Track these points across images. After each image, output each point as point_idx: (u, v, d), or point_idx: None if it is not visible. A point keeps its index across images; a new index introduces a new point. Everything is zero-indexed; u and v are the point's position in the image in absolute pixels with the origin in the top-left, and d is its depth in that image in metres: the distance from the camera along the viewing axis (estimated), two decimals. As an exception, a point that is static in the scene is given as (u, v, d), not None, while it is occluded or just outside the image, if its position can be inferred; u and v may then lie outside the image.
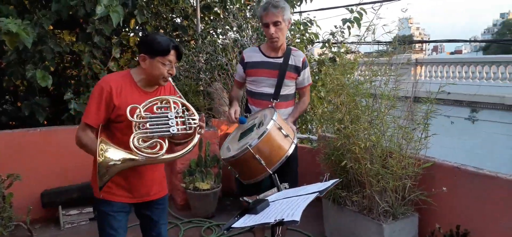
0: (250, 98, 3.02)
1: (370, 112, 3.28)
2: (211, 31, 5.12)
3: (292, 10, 6.73)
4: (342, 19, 5.27)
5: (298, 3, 6.82)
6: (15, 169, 3.84)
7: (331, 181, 2.13)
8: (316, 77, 5.36)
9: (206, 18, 5.63)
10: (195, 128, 2.13)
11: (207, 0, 5.55)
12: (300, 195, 2.09)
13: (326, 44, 5.49)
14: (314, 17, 6.64)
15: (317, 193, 1.97)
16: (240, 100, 3.44)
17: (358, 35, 5.11)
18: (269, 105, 2.83)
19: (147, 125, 2.02)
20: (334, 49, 5.65)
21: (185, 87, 4.47)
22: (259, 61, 2.91)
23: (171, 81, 2.22)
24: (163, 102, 2.13)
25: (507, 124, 12.42)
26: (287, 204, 2.00)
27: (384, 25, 3.81)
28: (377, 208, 3.13)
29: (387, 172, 3.11)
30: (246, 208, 2.05)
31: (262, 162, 2.38)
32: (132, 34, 6.04)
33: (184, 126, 2.10)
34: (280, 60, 2.88)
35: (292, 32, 6.20)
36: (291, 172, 2.91)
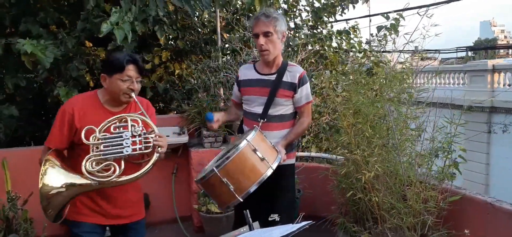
0: (244, 118, 2.79)
1: (387, 134, 2.84)
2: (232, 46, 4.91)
3: (333, 18, 6.35)
4: (377, 27, 4.81)
5: (339, 11, 6.44)
6: (35, 185, 3.94)
7: (298, 225, 1.82)
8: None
9: (231, 33, 5.44)
10: (153, 146, 2.01)
11: (235, 15, 5.38)
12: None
13: (362, 53, 5.04)
14: (356, 22, 6.21)
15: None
16: (235, 119, 3.17)
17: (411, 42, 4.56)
18: (254, 125, 2.55)
19: (101, 146, 1.95)
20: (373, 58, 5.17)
21: (203, 103, 4.31)
22: (252, 79, 2.66)
23: (135, 98, 2.12)
24: (122, 121, 2.05)
25: None
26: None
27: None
28: (389, 248, 2.69)
29: (403, 205, 2.66)
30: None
31: (231, 187, 2.17)
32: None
33: (141, 146, 1.99)
34: (273, 77, 2.59)
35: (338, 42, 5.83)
36: (282, 202, 2.61)
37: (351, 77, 3.76)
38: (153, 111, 2.32)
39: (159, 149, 2.03)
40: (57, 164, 1.96)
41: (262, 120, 2.56)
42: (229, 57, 4.75)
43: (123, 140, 1.97)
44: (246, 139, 2.23)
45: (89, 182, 1.93)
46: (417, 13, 4.32)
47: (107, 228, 2.31)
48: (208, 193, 2.47)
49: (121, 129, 2.02)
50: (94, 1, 4.11)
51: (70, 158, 2.15)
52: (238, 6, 5.67)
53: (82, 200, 2.15)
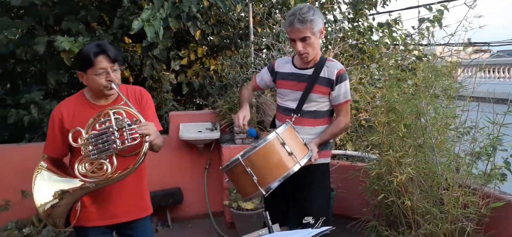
0: (277, 112, 2.71)
1: (422, 134, 2.65)
2: (264, 40, 4.81)
3: (374, 10, 6.08)
4: (419, 19, 4.54)
5: (381, 3, 6.18)
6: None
7: (317, 230, 1.73)
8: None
9: (266, 27, 5.34)
10: (141, 136, 1.93)
11: (271, 8, 5.27)
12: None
13: (403, 47, 4.78)
14: (399, 14, 5.91)
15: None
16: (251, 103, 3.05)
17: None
18: (287, 120, 2.46)
19: (90, 146, 1.91)
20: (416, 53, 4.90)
21: (235, 99, 4.26)
22: (288, 72, 2.58)
23: (117, 89, 2.01)
24: (106, 116, 1.97)
25: None
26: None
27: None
28: (424, 256, 2.52)
29: (439, 210, 2.48)
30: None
31: (254, 178, 2.09)
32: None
33: (128, 138, 1.92)
34: (310, 72, 2.49)
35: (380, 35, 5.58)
36: (316, 204, 2.50)
37: (389, 72, 3.58)
38: (148, 98, 2.21)
39: (147, 137, 1.93)
40: (44, 166, 1.96)
41: (295, 115, 2.49)
42: (265, 52, 4.66)
43: (108, 136, 1.91)
44: (275, 132, 2.16)
45: (80, 185, 1.91)
46: (464, 3, 4.05)
47: (114, 231, 2.26)
48: (232, 183, 2.41)
49: (107, 123, 1.94)
50: (129, -2, 4.17)
51: (72, 165, 2.08)
52: (273, 0, 5.56)
53: (84, 203, 2.10)
